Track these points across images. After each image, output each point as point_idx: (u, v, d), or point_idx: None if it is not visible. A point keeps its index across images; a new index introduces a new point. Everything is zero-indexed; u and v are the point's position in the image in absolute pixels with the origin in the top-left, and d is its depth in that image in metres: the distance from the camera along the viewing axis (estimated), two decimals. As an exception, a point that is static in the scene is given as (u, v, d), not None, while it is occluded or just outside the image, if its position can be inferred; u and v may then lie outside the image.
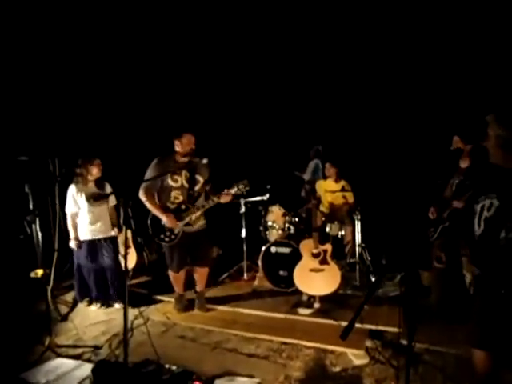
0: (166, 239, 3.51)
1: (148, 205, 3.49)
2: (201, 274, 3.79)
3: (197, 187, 3.59)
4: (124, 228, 2.50)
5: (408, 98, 6.27)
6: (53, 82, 5.51)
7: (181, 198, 3.53)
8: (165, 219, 3.45)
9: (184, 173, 3.53)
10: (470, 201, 2.10)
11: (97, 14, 5.51)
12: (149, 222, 3.56)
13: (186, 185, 3.54)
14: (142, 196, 3.49)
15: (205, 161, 3.54)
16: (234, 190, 3.48)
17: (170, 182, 3.50)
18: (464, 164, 3.07)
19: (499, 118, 1.92)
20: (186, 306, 3.87)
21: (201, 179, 3.60)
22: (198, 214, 3.56)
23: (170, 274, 3.77)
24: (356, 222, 4.50)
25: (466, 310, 2.20)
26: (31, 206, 3.14)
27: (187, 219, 3.51)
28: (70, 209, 3.86)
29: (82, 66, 5.83)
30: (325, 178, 5.16)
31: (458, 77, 5.72)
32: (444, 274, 3.26)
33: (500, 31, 5.23)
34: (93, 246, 3.88)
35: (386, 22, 6.02)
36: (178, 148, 3.51)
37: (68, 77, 5.69)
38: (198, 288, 3.87)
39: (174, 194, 3.52)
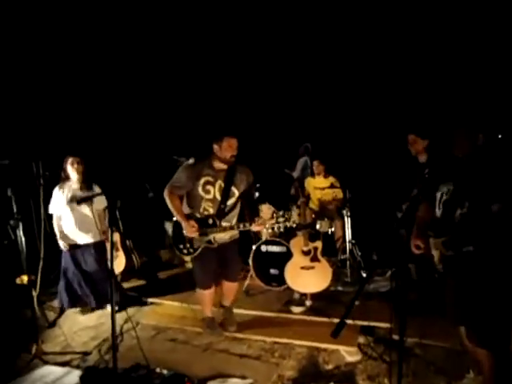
0: (184, 251, 3.16)
1: (170, 206, 3.10)
2: (230, 289, 3.41)
3: (230, 201, 3.12)
4: (110, 230, 2.43)
5: (394, 93, 6.32)
6: (37, 82, 5.41)
7: (210, 211, 3.10)
8: (184, 225, 3.04)
9: (219, 183, 3.08)
10: (423, 191, 2.36)
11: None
12: (171, 227, 3.29)
13: (218, 197, 3.08)
14: (166, 196, 3.10)
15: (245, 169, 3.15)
16: (271, 222, 2.97)
17: (201, 192, 3.06)
18: (422, 158, 3.20)
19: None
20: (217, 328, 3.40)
21: (236, 192, 3.13)
22: (223, 235, 3.12)
23: (197, 291, 3.35)
24: (346, 218, 4.50)
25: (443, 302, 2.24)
26: (15, 210, 3.05)
27: (210, 237, 3.08)
28: (53, 210, 3.78)
29: (68, 67, 5.74)
30: (313, 175, 5.15)
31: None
32: (423, 267, 3.35)
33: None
34: (77, 251, 3.78)
35: (368, 20, 6.08)
36: (216, 152, 3.04)
37: (56, 76, 5.59)
38: (226, 302, 3.49)
39: (204, 204, 3.09)
